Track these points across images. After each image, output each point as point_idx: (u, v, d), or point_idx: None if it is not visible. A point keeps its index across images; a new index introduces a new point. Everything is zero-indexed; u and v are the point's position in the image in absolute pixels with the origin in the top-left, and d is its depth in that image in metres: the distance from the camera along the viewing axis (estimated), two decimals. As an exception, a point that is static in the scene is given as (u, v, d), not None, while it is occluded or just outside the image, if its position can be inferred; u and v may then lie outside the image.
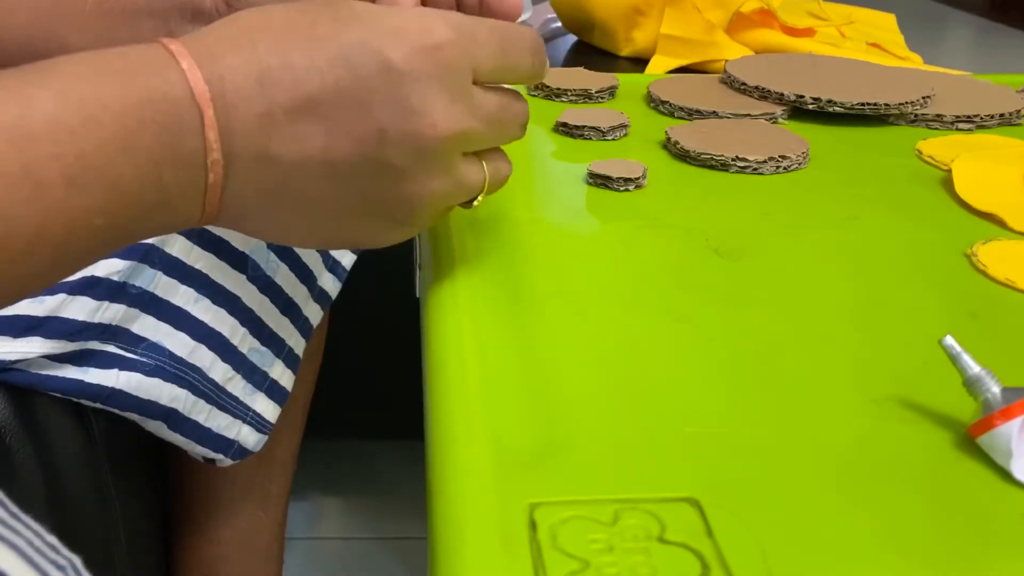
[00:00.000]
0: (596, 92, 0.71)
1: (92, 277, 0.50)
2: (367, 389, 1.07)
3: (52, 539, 0.29)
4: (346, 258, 0.67)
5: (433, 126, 0.36)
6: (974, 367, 0.34)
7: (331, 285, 0.66)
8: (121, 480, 0.59)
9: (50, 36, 0.48)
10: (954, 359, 0.34)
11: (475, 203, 0.41)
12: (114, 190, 0.31)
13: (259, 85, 0.34)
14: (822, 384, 0.38)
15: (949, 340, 0.35)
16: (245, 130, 0.34)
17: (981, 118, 0.68)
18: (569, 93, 0.71)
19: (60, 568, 0.28)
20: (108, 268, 0.51)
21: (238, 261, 0.58)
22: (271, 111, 0.34)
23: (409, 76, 0.35)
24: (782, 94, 0.68)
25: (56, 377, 0.51)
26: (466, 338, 0.40)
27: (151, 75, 0.32)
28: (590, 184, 0.56)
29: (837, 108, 0.67)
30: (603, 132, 0.63)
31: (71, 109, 0.31)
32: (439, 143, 0.36)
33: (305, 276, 0.63)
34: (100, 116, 0.31)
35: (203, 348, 0.56)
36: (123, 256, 0.52)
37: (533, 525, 0.29)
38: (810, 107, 0.68)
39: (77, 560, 0.29)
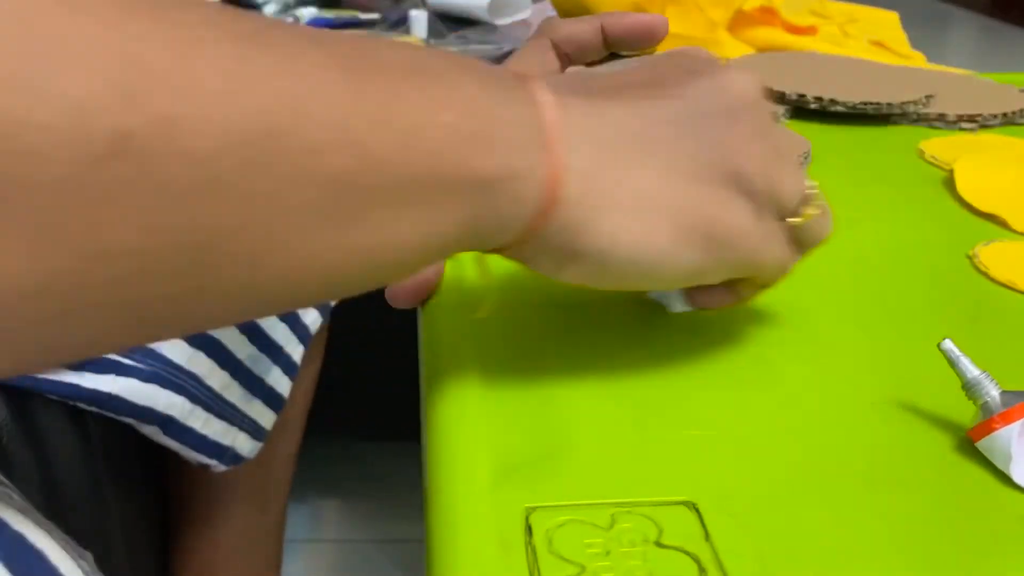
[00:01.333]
0: (596, 92, 0.71)
1: None
2: (367, 390, 1.07)
3: (66, 536, 0.29)
4: None
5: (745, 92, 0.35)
6: (973, 371, 0.34)
7: None
8: (119, 483, 0.59)
9: None
10: (953, 363, 0.34)
11: (805, 212, 0.36)
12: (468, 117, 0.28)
13: (569, 80, 0.35)
14: (821, 387, 0.38)
15: (948, 344, 0.34)
16: (569, 91, 0.32)
17: (984, 117, 0.68)
18: (569, 93, 0.70)
19: (82, 557, 0.29)
20: None
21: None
22: (584, 86, 0.33)
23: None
24: (784, 93, 0.68)
25: (53, 381, 0.51)
26: (464, 340, 0.40)
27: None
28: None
29: (839, 107, 0.67)
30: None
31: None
32: (752, 103, 0.35)
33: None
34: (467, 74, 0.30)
35: (201, 355, 0.56)
36: None
37: (529, 529, 0.29)
38: (812, 106, 0.67)
39: (89, 556, 0.30)
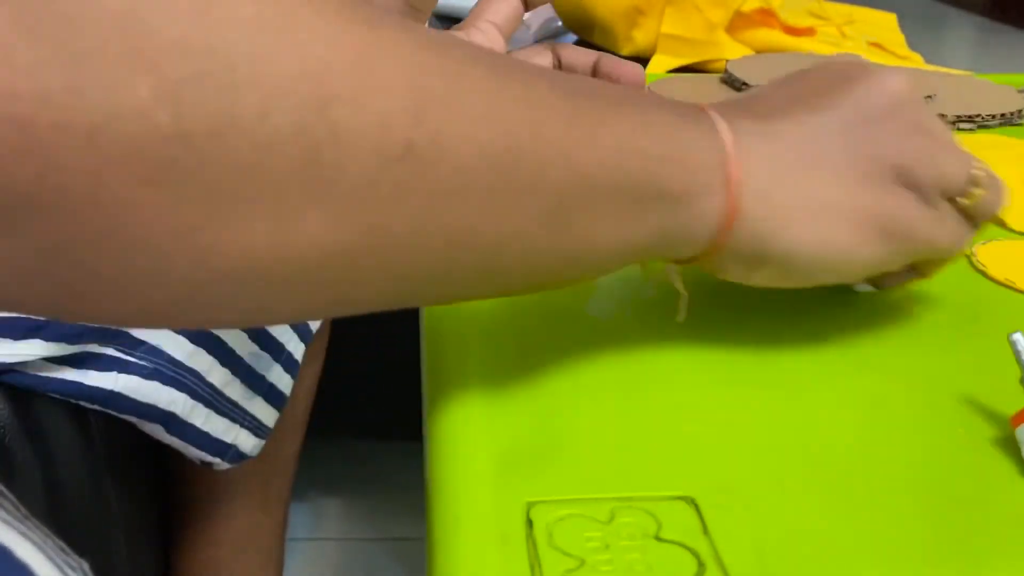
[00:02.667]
0: (596, 92, 0.71)
1: None
2: (367, 389, 1.07)
3: (60, 542, 0.29)
4: None
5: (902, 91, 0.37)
6: None
7: None
8: (121, 482, 0.59)
9: None
10: (1017, 355, 0.34)
11: (970, 197, 0.38)
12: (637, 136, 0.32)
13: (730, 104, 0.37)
14: (819, 383, 0.38)
15: (1016, 336, 0.34)
16: (735, 117, 0.35)
17: (982, 118, 0.68)
18: (569, 93, 0.71)
19: (73, 568, 0.29)
20: None
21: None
22: (743, 109, 0.37)
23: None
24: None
25: (55, 379, 0.51)
26: (465, 338, 0.40)
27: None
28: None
29: (837, 108, 0.67)
30: (603, 132, 0.63)
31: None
32: (907, 101, 0.37)
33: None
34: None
35: (202, 352, 0.56)
36: None
37: (530, 523, 0.29)
38: (810, 107, 0.67)
39: (86, 564, 0.30)
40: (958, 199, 0.38)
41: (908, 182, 0.36)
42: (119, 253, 0.23)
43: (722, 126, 0.34)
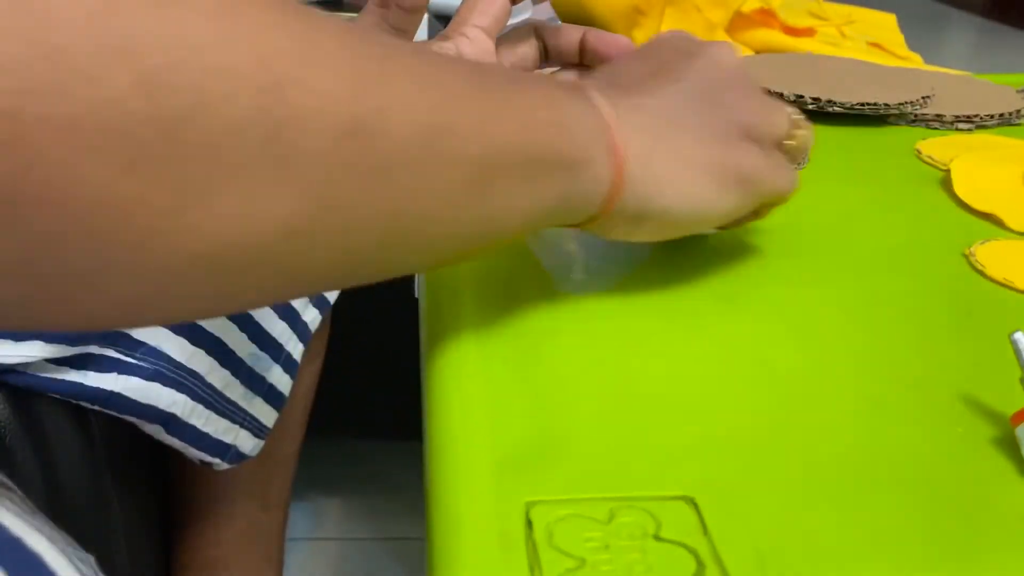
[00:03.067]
0: (595, 92, 0.71)
1: None
2: (367, 389, 1.07)
3: (68, 537, 0.29)
4: None
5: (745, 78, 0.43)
6: None
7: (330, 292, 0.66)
8: (121, 481, 0.59)
9: None
10: (1017, 354, 0.34)
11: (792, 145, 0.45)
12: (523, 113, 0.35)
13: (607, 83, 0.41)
14: (818, 383, 0.38)
15: (1017, 335, 0.35)
16: (613, 94, 0.39)
17: (981, 118, 0.68)
18: (568, 93, 0.71)
19: (82, 561, 0.29)
20: None
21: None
22: (619, 88, 0.41)
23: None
24: (781, 94, 0.68)
25: (56, 380, 0.51)
26: (465, 338, 0.40)
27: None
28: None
29: (836, 108, 0.67)
30: (602, 132, 0.63)
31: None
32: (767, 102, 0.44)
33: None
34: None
35: (201, 353, 0.56)
36: None
37: (529, 524, 0.29)
38: (810, 107, 0.68)
39: (92, 559, 0.30)
40: (785, 143, 0.44)
41: (751, 136, 0.42)
42: (99, 245, 0.23)
43: (599, 100, 0.38)
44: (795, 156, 0.46)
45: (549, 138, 0.35)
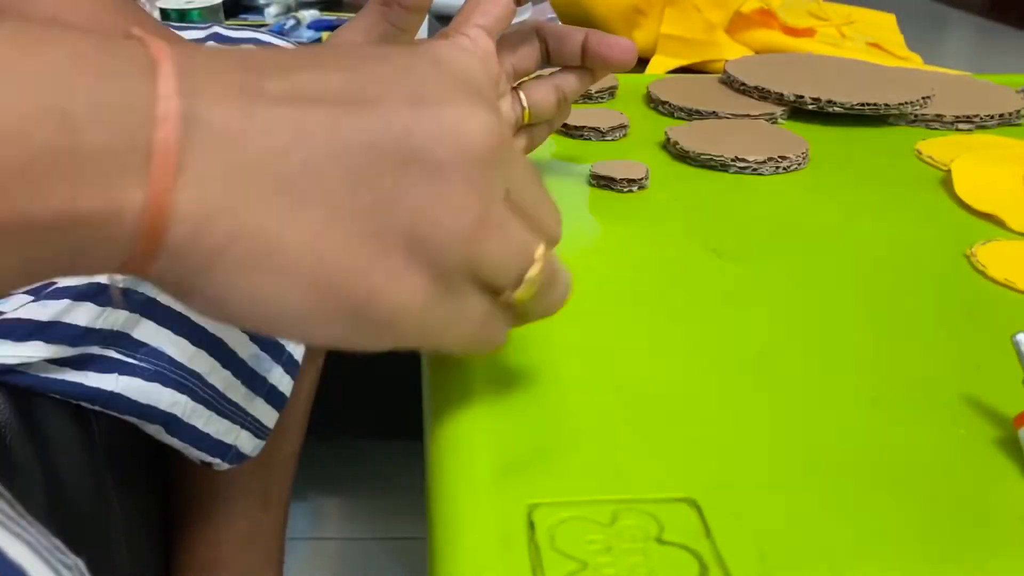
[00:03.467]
0: (596, 92, 0.71)
1: (97, 284, 0.50)
2: (367, 389, 1.07)
3: (57, 541, 0.29)
4: None
5: (468, 124, 0.27)
6: None
7: None
8: (122, 482, 0.59)
9: None
10: (1019, 355, 0.34)
11: (520, 293, 0.30)
12: None
13: (242, 66, 0.26)
14: (820, 384, 0.38)
15: (1020, 337, 0.35)
16: (216, 93, 0.24)
17: (981, 118, 0.68)
18: (569, 94, 0.71)
19: (68, 568, 0.28)
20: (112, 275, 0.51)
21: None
22: (252, 81, 0.25)
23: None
24: (782, 94, 0.68)
25: (57, 380, 0.51)
26: (465, 339, 0.40)
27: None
28: (592, 185, 0.56)
29: (837, 108, 0.67)
30: (603, 132, 0.63)
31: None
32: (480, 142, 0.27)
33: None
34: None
35: (203, 354, 0.56)
36: None
37: (532, 526, 0.29)
38: (810, 107, 0.68)
39: (81, 563, 0.30)
40: (506, 292, 0.30)
41: (425, 260, 0.27)
42: None
43: (171, 101, 0.23)
44: (523, 312, 0.32)
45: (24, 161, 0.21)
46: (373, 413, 1.11)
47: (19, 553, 0.27)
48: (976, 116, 0.68)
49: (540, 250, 0.30)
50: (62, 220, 0.22)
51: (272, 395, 0.62)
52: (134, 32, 0.25)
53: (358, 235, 0.26)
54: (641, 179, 0.55)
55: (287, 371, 0.63)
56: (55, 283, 0.49)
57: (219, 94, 0.24)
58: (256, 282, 0.25)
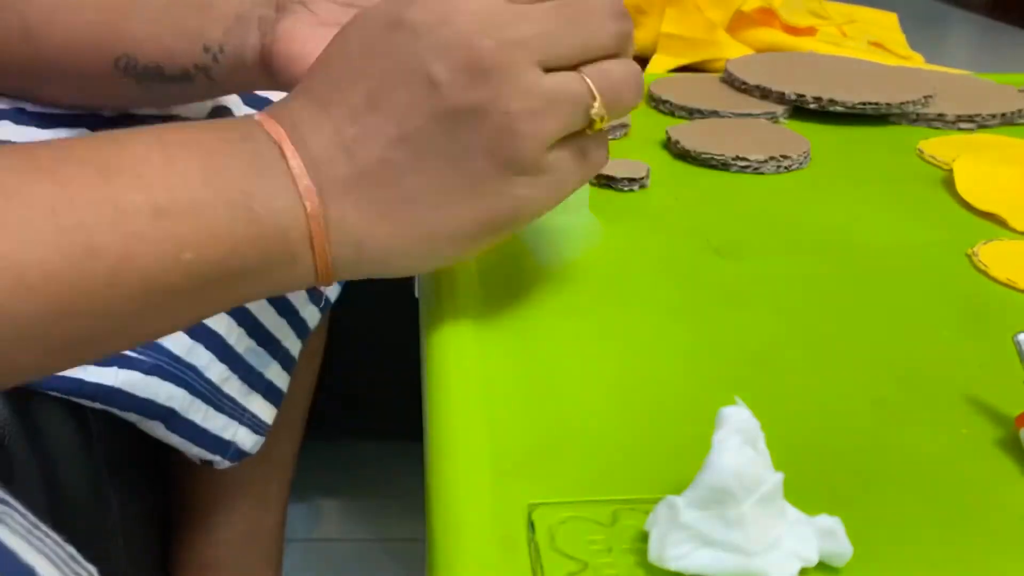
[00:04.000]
0: (596, 92, 0.71)
1: None
2: (367, 389, 1.07)
3: (71, 549, 0.29)
4: None
5: (482, 43, 0.33)
6: None
7: (332, 288, 0.66)
8: (120, 481, 0.59)
9: (117, 34, 0.49)
10: (1020, 355, 0.34)
11: (599, 120, 0.35)
12: (200, 219, 0.31)
13: (322, 109, 0.34)
14: (822, 384, 0.38)
15: (1021, 336, 0.34)
16: (324, 154, 0.33)
17: (983, 117, 0.68)
18: (569, 93, 0.71)
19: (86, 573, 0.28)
20: None
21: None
22: (338, 126, 0.34)
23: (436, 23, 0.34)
24: (783, 93, 0.68)
25: (56, 376, 0.51)
26: (465, 338, 0.40)
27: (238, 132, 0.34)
28: (593, 184, 0.56)
29: (838, 107, 0.67)
30: (603, 132, 0.63)
31: (157, 148, 0.32)
32: (496, 55, 0.33)
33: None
34: (184, 154, 0.32)
35: (200, 347, 0.56)
36: None
37: (532, 526, 0.29)
38: (811, 106, 0.67)
39: (95, 570, 0.29)
40: (590, 129, 0.35)
41: (510, 163, 0.34)
42: None
43: (298, 171, 0.33)
44: (603, 134, 0.36)
45: (227, 252, 0.32)
46: (373, 413, 1.11)
47: (32, 558, 0.27)
48: (978, 115, 0.68)
49: (586, 86, 0.34)
50: (268, 265, 0.33)
51: (269, 391, 0.62)
52: (253, 117, 0.34)
53: (459, 187, 0.34)
54: (642, 178, 0.55)
55: (284, 367, 0.63)
56: None
57: (323, 147, 0.34)
58: (417, 258, 0.35)
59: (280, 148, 0.33)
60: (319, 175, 0.33)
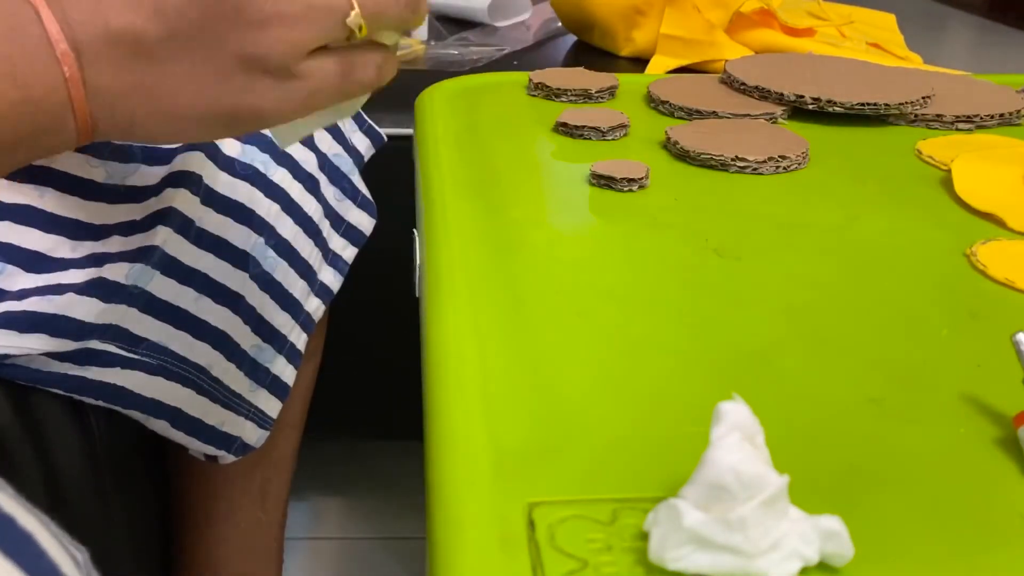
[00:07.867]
0: (596, 92, 0.71)
1: (101, 278, 0.50)
2: (367, 389, 1.07)
3: (64, 532, 0.29)
4: (346, 251, 0.67)
5: None
6: None
7: (332, 279, 0.66)
8: (121, 480, 0.59)
9: None
10: (1019, 354, 0.34)
11: (358, 31, 0.36)
12: None
13: None
14: (821, 383, 0.38)
15: (1020, 336, 0.34)
16: (81, 18, 0.34)
17: (981, 118, 0.68)
18: (569, 93, 0.71)
19: (76, 548, 0.29)
20: (116, 271, 0.51)
21: (239, 260, 0.58)
22: None
23: None
24: (782, 94, 0.68)
25: (57, 373, 0.51)
26: (466, 338, 0.40)
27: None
28: (592, 184, 0.56)
29: (837, 108, 0.67)
30: (603, 132, 0.63)
31: None
32: None
33: (305, 271, 0.63)
34: None
35: (205, 346, 0.56)
36: (130, 259, 0.52)
37: (532, 524, 0.29)
38: (810, 107, 0.68)
39: (86, 552, 0.30)
40: (346, 43, 0.37)
41: (262, 66, 0.35)
42: None
43: (55, 35, 0.34)
44: (381, 54, 0.37)
45: None
46: (373, 413, 1.11)
47: (29, 523, 0.27)
48: (976, 116, 0.68)
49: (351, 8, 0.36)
50: (29, 137, 0.35)
51: (275, 385, 0.62)
52: None
53: (213, 75, 0.36)
54: (641, 179, 0.55)
55: (289, 361, 0.63)
56: (59, 281, 0.49)
57: (81, 10, 0.34)
58: (164, 127, 0.37)
59: (36, 11, 0.34)
60: (75, 38, 0.34)
